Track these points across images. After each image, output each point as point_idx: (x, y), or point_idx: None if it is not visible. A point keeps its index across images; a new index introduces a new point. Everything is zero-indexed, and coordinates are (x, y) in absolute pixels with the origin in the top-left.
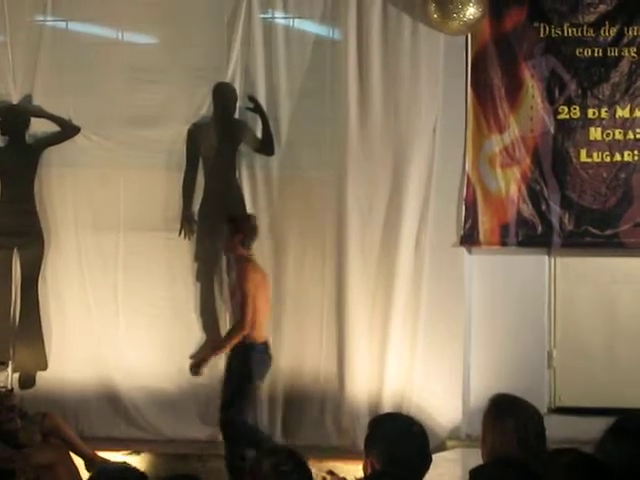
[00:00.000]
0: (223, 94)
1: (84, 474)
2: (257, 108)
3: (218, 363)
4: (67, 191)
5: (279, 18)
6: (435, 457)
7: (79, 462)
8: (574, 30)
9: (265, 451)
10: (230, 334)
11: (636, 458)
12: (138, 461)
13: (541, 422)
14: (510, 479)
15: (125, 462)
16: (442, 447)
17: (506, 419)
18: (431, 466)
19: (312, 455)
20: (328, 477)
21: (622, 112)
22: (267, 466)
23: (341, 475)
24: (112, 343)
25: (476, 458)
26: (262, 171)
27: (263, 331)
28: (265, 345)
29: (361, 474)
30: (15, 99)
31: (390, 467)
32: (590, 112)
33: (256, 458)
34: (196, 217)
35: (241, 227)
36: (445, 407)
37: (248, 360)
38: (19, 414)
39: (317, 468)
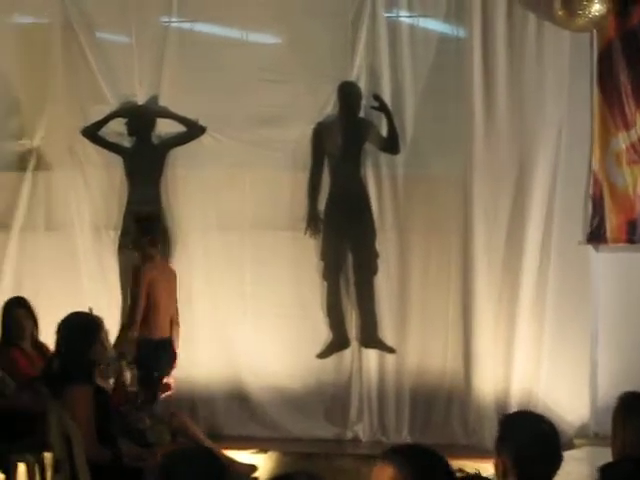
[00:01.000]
0: (348, 93)
1: None
2: (382, 107)
3: (344, 363)
4: (193, 191)
5: (404, 17)
6: (564, 455)
7: None
8: None
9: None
10: (118, 334)
11: None
12: (265, 460)
13: None
14: None
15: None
16: (570, 445)
17: (636, 417)
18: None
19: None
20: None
21: None
22: None
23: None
24: (239, 342)
25: (604, 457)
26: (387, 170)
27: (163, 328)
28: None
29: (489, 473)
30: (141, 100)
31: (522, 466)
32: None
33: None
34: (322, 216)
35: (151, 228)
36: (572, 405)
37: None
38: (148, 413)
39: None
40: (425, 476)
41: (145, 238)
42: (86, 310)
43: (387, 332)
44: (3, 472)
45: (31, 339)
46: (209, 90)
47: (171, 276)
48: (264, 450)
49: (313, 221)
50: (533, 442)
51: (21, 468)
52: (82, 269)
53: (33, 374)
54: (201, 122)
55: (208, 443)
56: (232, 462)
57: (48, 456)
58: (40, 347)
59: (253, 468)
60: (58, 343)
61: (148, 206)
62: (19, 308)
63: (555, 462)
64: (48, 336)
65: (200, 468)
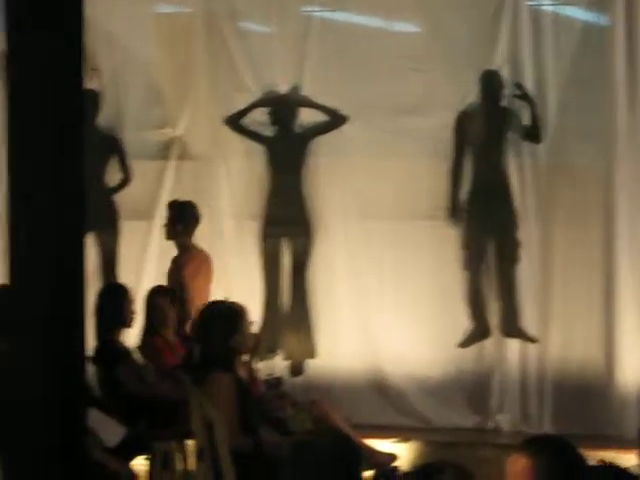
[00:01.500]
0: (490, 82)
1: None
2: (525, 95)
3: (485, 352)
4: (335, 180)
5: (546, 5)
6: None
7: None
8: None
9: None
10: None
11: None
12: (405, 449)
13: None
14: None
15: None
16: None
17: None
18: None
19: (581, 444)
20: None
21: None
22: None
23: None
24: (380, 331)
25: None
26: (529, 159)
27: None
28: None
29: (632, 464)
30: (284, 89)
31: None
32: None
33: None
34: (463, 205)
35: (183, 215)
36: None
37: None
38: (289, 402)
39: (588, 457)
40: (562, 468)
41: (179, 226)
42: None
43: (529, 322)
44: (146, 459)
45: (175, 328)
46: (350, 79)
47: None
48: (405, 439)
49: (455, 210)
50: None
51: (163, 456)
52: (224, 259)
53: (175, 363)
54: (343, 111)
55: (350, 431)
56: (372, 451)
57: (190, 444)
58: (184, 336)
59: (393, 457)
60: (199, 332)
61: (291, 194)
62: (162, 297)
63: None
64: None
65: (333, 453)
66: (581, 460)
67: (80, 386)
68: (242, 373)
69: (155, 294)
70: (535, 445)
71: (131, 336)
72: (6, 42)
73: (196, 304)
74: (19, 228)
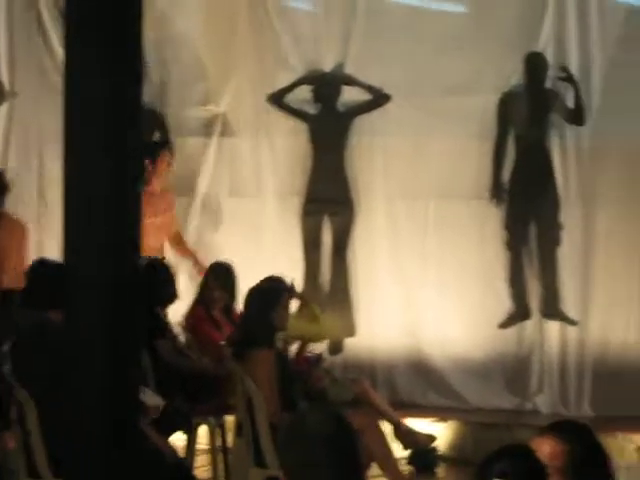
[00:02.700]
0: (534, 63)
1: (392, 441)
2: (569, 78)
3: (525, 334)
4: (377, 159)
5: None
6: None
7: (386, 429)
8: None
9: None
10: None
11: None
12: (444, 429)
13: None
14: None
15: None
16: None
17: None
18: None
19: (621, 427)
20: None
21: None
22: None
23: None
24: (421, 310)
25: None
26: (573, 141)
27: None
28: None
29: None
30: (327, 67)
31: None
32: None
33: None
34: (507, 185)
35: None
36: None
37: None
38: (330, 378)
39: (627, 440)
40: (588, 453)
41: None
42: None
43: (569, 304)
44: (185, 433)
45: (224, 305)
46: (394, 58)
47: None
48: (443, 419)
49: (497, 190)
50: None
51: (203, 430)
52: (266, 236)
53: (218, 338)
54: (386, 90)
55: (390, 411)
56: (411, 431)
57: (230, 419)
58: (232, 314)
59: (432, 438)
60: (245, 308)
61: (333, 173)
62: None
63: None
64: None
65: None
66: (601, 447)
67: (136, 362)
68: (284, 349)
69: (212, 271)
70: (566, 430)
71: (176, 312)
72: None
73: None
74: (77, 210)
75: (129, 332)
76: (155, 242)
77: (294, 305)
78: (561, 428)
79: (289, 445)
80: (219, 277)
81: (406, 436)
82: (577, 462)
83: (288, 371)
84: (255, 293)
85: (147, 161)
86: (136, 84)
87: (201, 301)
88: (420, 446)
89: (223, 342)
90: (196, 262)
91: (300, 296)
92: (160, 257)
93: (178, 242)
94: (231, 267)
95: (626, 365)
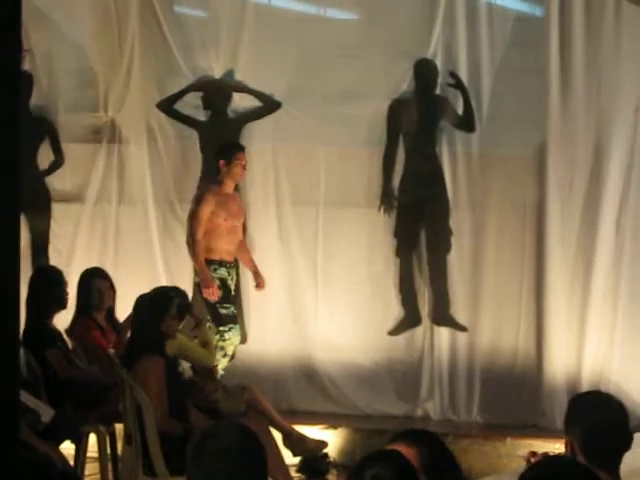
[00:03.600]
0: (424, 70)
1: (282, 448)
2: (458, 84)
3: (415, 340)
4: (268, 166)
5: None
6: (636, 437)
7: (277, 436)
8: None
9: None
10: None
11: None
12: (334, 436)
13: None
14: None
15: None
16: None
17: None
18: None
19: (510, 434)
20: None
21: None
22: None
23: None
24: (311, 317)
25: None
26: (462, 147)
27: None
28: None
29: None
30: (218, 74)
31: (590, 446)
32: None
33: None
34: (396, 193)
35: None
36: None
37: None
38: (220, 386)
39: (515, 446)
40: (436, 455)
41: None
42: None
43: (459, 310)
44: (74, 442)
45: (106, 312)
46: (285, 65)
47: None
48: (334, 426)
49: (387, 198)
50: (601, 422)
51: (92, 439)
52: (155, 243)
53: (106, 346)
54: (277, 97)
55: (279, 418)
56: (302, 438)
57: (119, 427)
58: (113, 320)
59: (323, 444)
60: (134, 316)
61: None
62: (100, 279)
63: (624, 442)
64: (120, 309)
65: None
66: (448, 450)
67: (14, 369)
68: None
69: (92, 275)
70: (412, 435)
71: (62, 320)
72: None
73: None
74: None
75: (5, 339)
76: (228, 245)
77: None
78: (410, 434)
79: (199, 458)
80: (106, 279)
81: (296, 443)
82: (427, 463)
83: (178, 380)
84: (145, 301)
85: (221, 162)
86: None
87: (84, 308)
88: (311, 453)
89: (111, 349)
90: (257, 273)
91: (196, 316)
92: (230, 261)
93: (243, 250)
94: (104, 271)
95: (515, 371)
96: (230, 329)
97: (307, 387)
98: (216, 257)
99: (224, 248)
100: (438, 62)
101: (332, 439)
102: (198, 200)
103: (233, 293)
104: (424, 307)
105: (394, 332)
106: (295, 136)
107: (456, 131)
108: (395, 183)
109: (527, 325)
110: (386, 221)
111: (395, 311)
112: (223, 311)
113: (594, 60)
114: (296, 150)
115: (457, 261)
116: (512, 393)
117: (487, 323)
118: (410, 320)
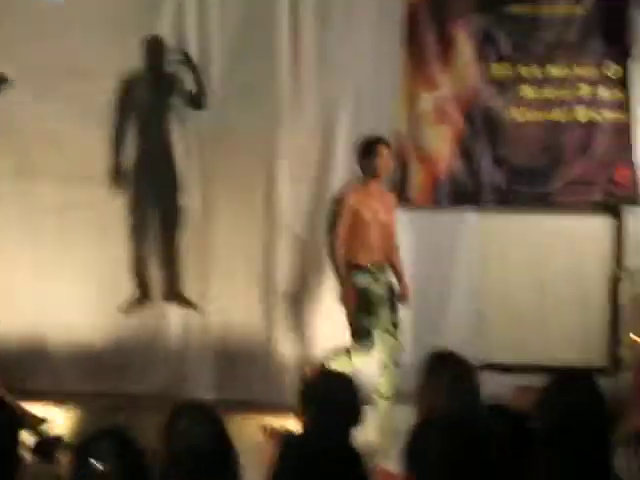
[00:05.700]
0: (153, 47)
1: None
2: (188, 61)
3: (148, 318)
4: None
5: None
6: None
7: None
8: None
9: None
10: None
11: (575, 414)
12: (65, 414)
13: (475, 377)
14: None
15: None
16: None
17: (440, 374)
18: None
19: (242, 410)
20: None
21: (555, 71)
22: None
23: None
24: (45, 297)
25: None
26: (193, 124)
27: None
28: None
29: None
30: None
31: (320, 420)
32: (523, 70)
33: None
34: (128, 172)
35: None
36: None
37: None
38: None
39: (247, 421)
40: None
41: None
42: None
43: (191, 288)
44: None
45: None
46: (16, 41)
47: None
48: (62, 403)
49: (118, 176)
50: (330, 396)
51: None
52: None
53: None
54: (6, 73)
55: (4, 394)
56: (25, 413)
57: None
58: None
59: (44, 420)
60: None
61: None
62: None
63: (355, 414)
64: None
65: None
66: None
67: None
68: None
69: None
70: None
71: None
72: None
73: None
74: None
75: None
76: (381, 242)
77: None
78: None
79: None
80: None
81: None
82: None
83: None
84: None
85: (373, 154)
86: None
87: None
88: (30, 428)
89: None
90: (403, 283)
91: None
92: (380, 261)
93: (393, 253)
94: None
95: (246, 349)
96: None
97: (35, 365)
98: None
99: (377, 245)
100: (168, 39)
101: (61, 417)
102: None
103: None
104: (157, 285)
105: (125, 310)
106: (26, 113)
107: (187, 108)
108: (126, 161)
109: (257, 304)
110: (118, 199)
111: (128, 289)
112: None
113: (323, 38)
114: (28, 127)
115: (188, 239)
116: (244, 370)
117: (218, 301)
118: (141, 297)
